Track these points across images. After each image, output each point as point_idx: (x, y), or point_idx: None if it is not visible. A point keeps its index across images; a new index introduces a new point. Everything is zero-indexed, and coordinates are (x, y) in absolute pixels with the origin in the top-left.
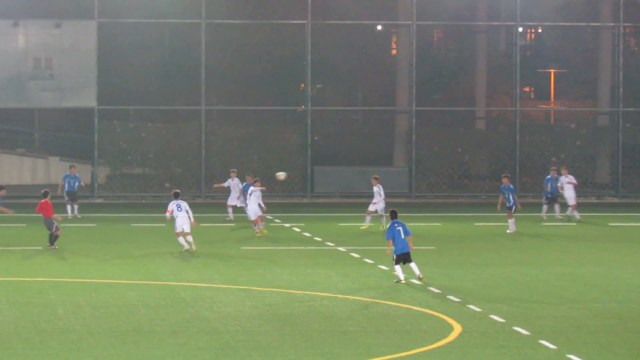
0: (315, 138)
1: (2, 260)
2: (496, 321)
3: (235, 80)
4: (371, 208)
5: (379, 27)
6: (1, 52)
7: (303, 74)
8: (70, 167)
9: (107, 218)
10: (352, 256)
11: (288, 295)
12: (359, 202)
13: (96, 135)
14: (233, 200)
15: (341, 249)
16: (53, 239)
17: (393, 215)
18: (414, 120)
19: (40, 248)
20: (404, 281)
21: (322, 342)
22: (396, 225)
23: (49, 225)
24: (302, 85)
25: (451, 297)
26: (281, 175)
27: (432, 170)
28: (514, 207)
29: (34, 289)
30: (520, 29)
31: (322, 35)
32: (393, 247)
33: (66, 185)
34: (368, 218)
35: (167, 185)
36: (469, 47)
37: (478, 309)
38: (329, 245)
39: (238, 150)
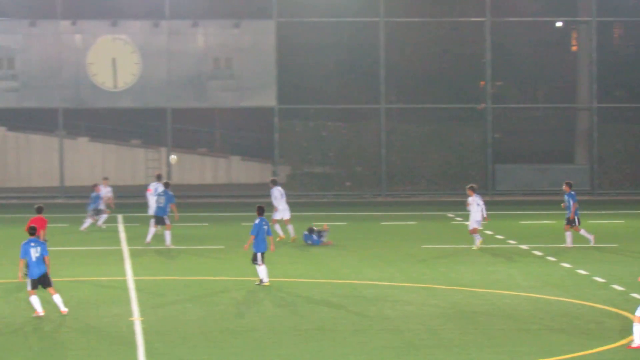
0: (496, 136)
1: (186, 259)
2: None
3: (414, 79)
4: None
5: (559, 24)
6: (181, 52)
7: (482, 71)
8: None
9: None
10: (534, 254)
11: (471, 293)
12: (541, 200)
13: (276, 135)
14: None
15: (523, 246)
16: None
17: (260, 211)
18: (595, 117)
19: (223, 247)
20: (267, 283)
21: (504, 340)
22: (263, 223)
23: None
24: (482, 82)
25: (635, 295)
26: (173, 159)
27: (614, 168)
28: None
29: (217, 288)
30: None
31: (502, 32)
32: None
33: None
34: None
35: (348, 184)
36: None
37: None
38: (510, 243)
39: (418, 148)
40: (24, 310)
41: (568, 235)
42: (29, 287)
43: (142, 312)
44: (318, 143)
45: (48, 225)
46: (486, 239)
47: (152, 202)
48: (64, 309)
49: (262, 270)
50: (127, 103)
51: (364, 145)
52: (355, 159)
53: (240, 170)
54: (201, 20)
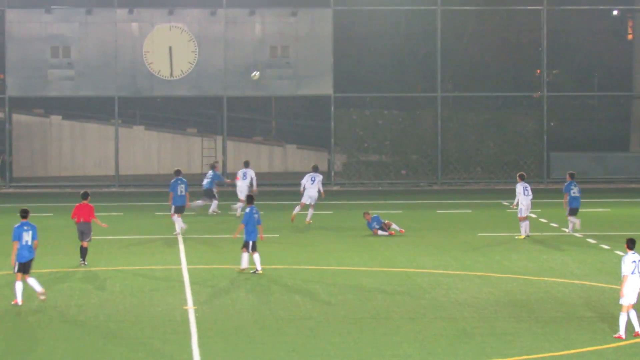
0: (552, 124)
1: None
2: None
3: (470, 67)
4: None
5: (615, 12)
6: (238, 40)
7: (539, 59)
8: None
9: (344, 205)
10: (589, 242)
11: (524, 281)
12: (595, 188)
13: (332, 123)
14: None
15: (577, 235)
16: (84, 252)
17: (250, 200)
18: None
19: (278, 235)
20: (245, 269)
21: (558, 328)
22: (254, 212)
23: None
24: (538, 71)
25: None
26: (255, 75)
27: None
28: None
29: (272, 276)
30: None
31: (558, 20)
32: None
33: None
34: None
35: (403, 172)
36: None
37: None
38: (564, 232)
39: (474, 136)
40: (76, 298)
41: None
42: (15, 270)
43: (196, 301)
44: (374, 131)
45: (100, 213)
46: (540, 227)
47: (244, 186)
48: (39, 289)
49: (245, 258)
50: (183, 91)
51: (420, 133)
52: (411, 147)
53: (296, 159)
54: (258, 8)
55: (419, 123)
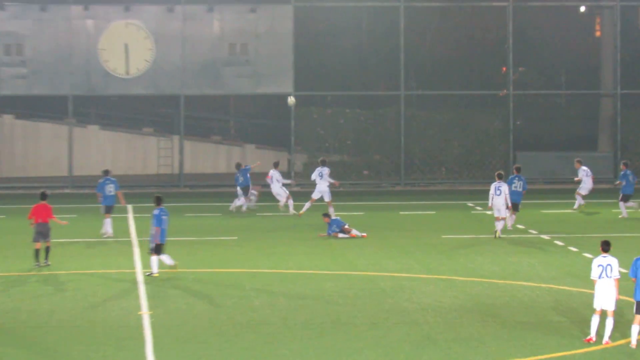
0: (518, 122)
1: (198, 251)
2: None
3: (434, 65)
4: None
5: (582, 9)
6: (196, 38)
7: (504, 57)
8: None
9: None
10: (556, 244)
11: (490, 284)
12: (563, 189)
13: (293, 122)
14: None
15: (544, 236)
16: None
17: (158, 201)
18: (619, 104)
19: (236, 238)
20: (156, 274)
21: (525, 332)
22: (163, 213)
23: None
24: (504, 68)
25: None
26: (291, 100)
27: (639, 155)
28: None
29: (229, 280)
30: None
31: (524, 17)
32: (156, 237)
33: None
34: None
35: (365, 172)
36: None
37: None
38: (532, 233)
39: (438, 136)
40: (27, 303)
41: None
42: None
43: (151, 306)
44: (335, 131)
45: (55, 215)
46: (506, 229)
47: (277, 188)
48: None
49: (155, 261)
50: (139, 90)
51: (383, 132)
52: (374, 146)
53: (255, 159)
54: (216, 5)
55: (381, 122)
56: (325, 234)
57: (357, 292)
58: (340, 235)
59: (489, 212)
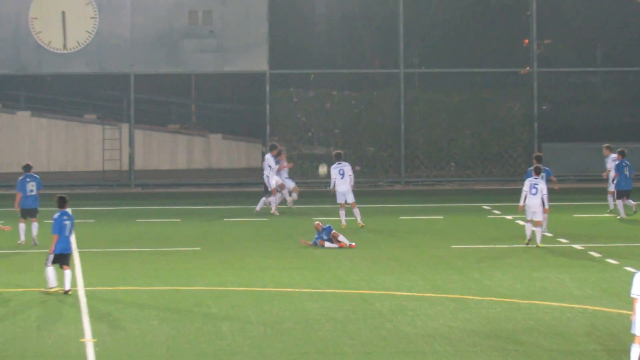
0: (544, 107)
1: (154, 264)
2: None
3: (441, 37)
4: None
5: None
6: (148, 4)
7: (527, 27)
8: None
9: (283, 210)
10: (591, 255)
11: (510, 305)
12: (598, 188)
13: (268, 107)
14: None
15: (577, 246)
16: None
17: (61, 203)
18: None
19: (199, 249)
20: (55, 289)
21: None
22: (65, 217)
23: None
24: (526, 41)
25: None
26: (323, 169)
27: None
28: None
29: (191, 301)
30: None
31: None
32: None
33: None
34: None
35: (357, 168)
36: None
37: None
38: (561, 242)
39: (446, 123)
40: None
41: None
42: None
43: (96, 332)
44: (320, 117)
45: None
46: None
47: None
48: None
49: (51, 274)
50: (79, 68)
51: (378, 120)
52: (367, 137)
53: (222, 152)
54: None
55: (377, 107)
56: (311, 243)
57: (348, 314)
58: (328, 244)
59: (521, 223)
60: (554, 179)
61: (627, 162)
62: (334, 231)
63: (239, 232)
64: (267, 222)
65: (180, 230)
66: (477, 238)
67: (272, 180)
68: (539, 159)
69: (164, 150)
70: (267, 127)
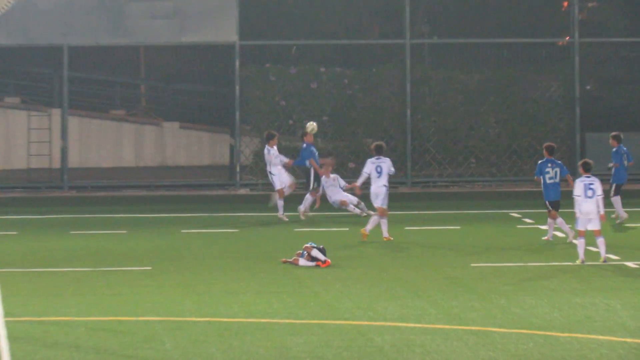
0: (587, 87)
1: (92, 287)
2: None
3: (454, 1)
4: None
5: None
6: None
7: None
8: None
9: (256, 220)
10: None
11: (546, 340)
12: None
13: (238, 88)
14: None
15: (630, 264)
16: None
17: None
18: None
19: (150, 268)
20: None
21: None
22: None
23: None
24: (565, 4)
25: None
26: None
27: None
28: None
29: (140, 335)
30: None
31: None
32: None
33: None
34: None
35: (351, 165)
36: None
37: None
38: (611, 259)
39: (463, 108)
40: None
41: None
42: None
43: None
44: (304, 101)
45: None
46: (572, 253)
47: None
48: None
49: None
50: None
51: (379, 103)
52: (364, 126)
53: (179, 145)
54: None
55: (376, 87)
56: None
57: (340, 351)
58: (302, 262)
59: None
60: (569, 178)
61: (625, 149)
62: (308, 243)
63: (202, 247)
64: (237, 234)
65: (126, 244)
66: (503, 254)
67: (281, 177)
68: (551, 150)
69: (106, 143)
70: (237, 113)
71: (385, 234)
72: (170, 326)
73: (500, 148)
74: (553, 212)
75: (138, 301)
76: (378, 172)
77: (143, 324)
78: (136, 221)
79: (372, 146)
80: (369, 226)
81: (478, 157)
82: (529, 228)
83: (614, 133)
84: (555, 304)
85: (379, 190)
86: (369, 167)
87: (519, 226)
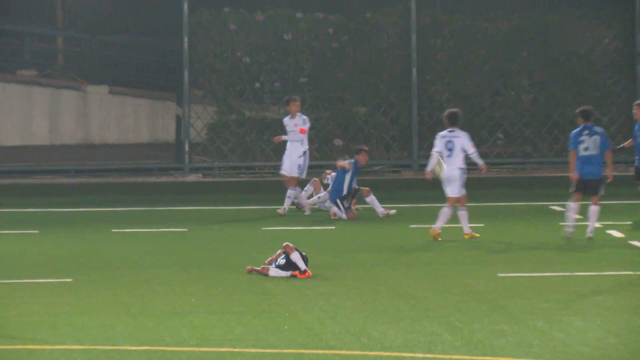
0: None
1: (7, 307)
2: None
3: None
4: None
5: None
6: None
7: None
8: None
9: (212, 214)
10: None
11: None
12: None
13: (186, 40)
14: None
15: None
16: None
17: None
18: None
19: (71, 280)
20: None
21: None
22: None
23: None
24: None
25: None
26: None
27: None
28: None
29: None
30: None
31: None
32: None
33: None
34: None
35: (338, 143)
36: None
37: None
38: None
39: (487, 67)
40: None
41: None
42: None
43: None
44: (275, 57)
45: None
46: (634, 259)
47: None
48: None
49: None
50: None
51: (374, 61)
52: (355, 90)
53: (109, 116)
54: None
55: (371, 40)
56: (271, 272)
57: None
58: (274, 271)
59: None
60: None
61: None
62: (286, 243)
63: (138, 252)
64: (186, 234)
65: (38, 248)
66: (540, 260)
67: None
68: (586, 115)
69: (12, 114)
70: (186, 73)
71: (467, 229)
72: (96, 356)
73: (536, 120)
74: (578, 194)
75: (54, 323)
76: (449, 149)
77: (60, 354)
78: (52, 217)
79: (445, 114)
80: (439, 222)
81: (507, 132)
82: (574, 225)
83: (637, 102)
84: (611, 327)
85: (451, 173)
86: (439, 143)
87: (560, 222)
